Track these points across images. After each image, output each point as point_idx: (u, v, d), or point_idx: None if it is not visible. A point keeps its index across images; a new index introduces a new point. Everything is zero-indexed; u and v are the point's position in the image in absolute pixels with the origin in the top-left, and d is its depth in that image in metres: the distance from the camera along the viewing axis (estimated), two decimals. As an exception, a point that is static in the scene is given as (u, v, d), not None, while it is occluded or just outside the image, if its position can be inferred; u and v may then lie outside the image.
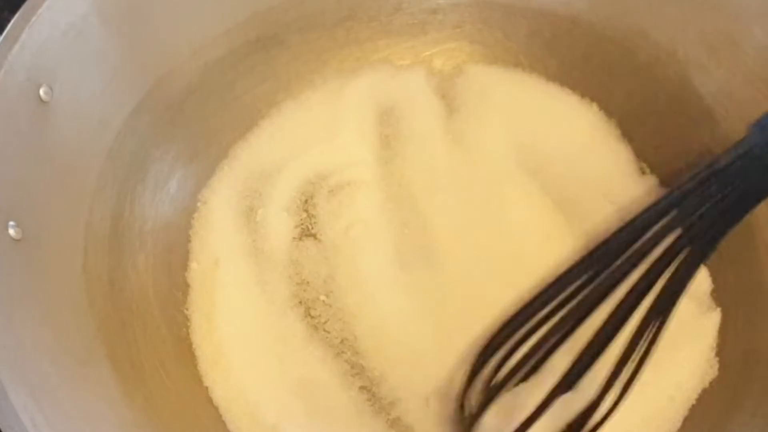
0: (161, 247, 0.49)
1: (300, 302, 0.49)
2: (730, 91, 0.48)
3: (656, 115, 0.51)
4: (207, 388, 0.46)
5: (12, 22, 0.40)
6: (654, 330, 0.39)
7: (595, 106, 0.54)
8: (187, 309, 0.48)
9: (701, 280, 0.48)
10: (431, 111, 0.54)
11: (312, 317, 0.48)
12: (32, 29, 0.40)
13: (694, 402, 0.46)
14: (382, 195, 0.51)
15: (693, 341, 0.47)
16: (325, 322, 0.48)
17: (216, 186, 0.51)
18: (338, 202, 0.51)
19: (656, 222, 0.38)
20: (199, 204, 0.51)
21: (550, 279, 0.40)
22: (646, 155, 0.52)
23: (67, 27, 0.42)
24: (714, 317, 0.47)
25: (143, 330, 0.46)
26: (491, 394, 0.41)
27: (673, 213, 0.37)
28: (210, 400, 0.46)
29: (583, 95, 0.54)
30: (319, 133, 0.53)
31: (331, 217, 0.51)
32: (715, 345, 0.47)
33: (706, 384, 0.46)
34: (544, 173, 0.52)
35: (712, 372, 0.46)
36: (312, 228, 0.51)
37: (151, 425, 0.43)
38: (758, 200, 0.36)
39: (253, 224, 0.50)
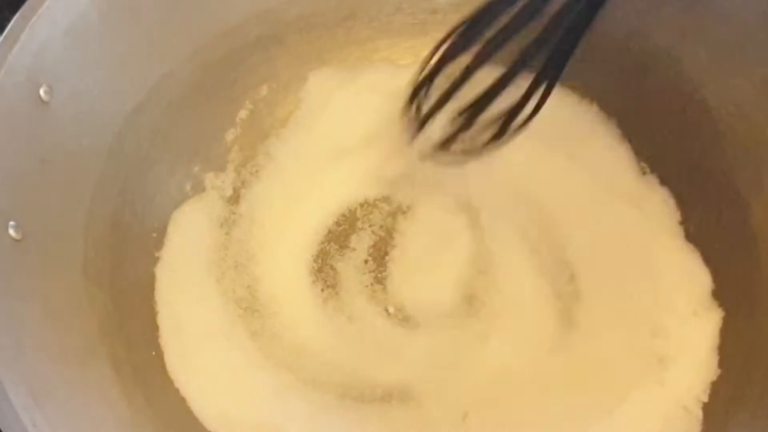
0: (161, 247, 0.49)
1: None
2: (730, 91, 0.48)
3: (656, 115, 0.51)
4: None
5: (12, 22, 0.40)
6: None
7: (595, 106, 0.54)
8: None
9: (702, 281, 0.48)
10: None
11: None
12: (32, 29, 0.40)
13: (702, 402, 0.46)
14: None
15: (694, 341, 0.47)
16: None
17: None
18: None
19: None
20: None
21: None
22: (646, 155, 0.52)
23: (67, 27, 0.42)
24: (715, 317, 0.47)
25: (143, 330, 0.46)
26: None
27: None
28: (210, 400, 0.46)
29: (583, 95, 0.54)
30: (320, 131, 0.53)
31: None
32: (715, 345, 0.47)
33: (707, 384, 0.46)
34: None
35: (713, 372, 0.46)
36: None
37: (151, 425, 0.43)
38: None
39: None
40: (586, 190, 0.52)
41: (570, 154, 0.52)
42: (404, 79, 0.54)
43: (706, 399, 0.45)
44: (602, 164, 0.52)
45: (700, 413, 0.45)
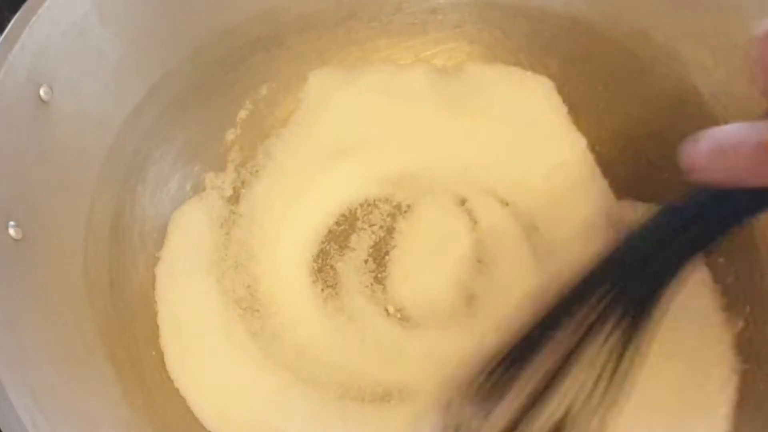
0: (161, 247, 0.49)
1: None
2: (730, 91, 0.48)
3: (656, 114, 0.51)
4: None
5: (12, 22, 0.40)
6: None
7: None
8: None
9: (702, 280, 0.48)
10: (431, 109, 0.54)
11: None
12: (32, 29, 0.40)
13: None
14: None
15: (693, 342, 0.47)
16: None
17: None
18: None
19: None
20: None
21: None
22: (646, 155, 0.52)
23: (67, 27, 0.42)
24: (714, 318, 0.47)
25: (143, 330, 0.46)
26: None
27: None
28: (210, 400, 0.46)
29: (583, 95, 0.54)
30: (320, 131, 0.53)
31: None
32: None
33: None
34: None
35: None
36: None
37: (151, 425, 0.43)
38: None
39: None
40: (585, 184, 0.52)
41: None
42: (404, 79, 0.55)
43: None
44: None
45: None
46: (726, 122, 0.48)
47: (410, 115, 0.54)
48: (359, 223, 0.51)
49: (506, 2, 0.54)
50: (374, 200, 0.52)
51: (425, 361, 0.47)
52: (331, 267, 0.50)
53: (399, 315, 0.49)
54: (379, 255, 0.50)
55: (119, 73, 0.46)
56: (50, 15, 0.41)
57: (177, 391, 0.46)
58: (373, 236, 0.51)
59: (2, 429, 0.34)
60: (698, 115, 0.49)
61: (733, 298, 0.47)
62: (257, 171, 0.52)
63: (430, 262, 0.50)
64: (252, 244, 0.51)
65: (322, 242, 0.51)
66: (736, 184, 0.32)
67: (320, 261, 0.50)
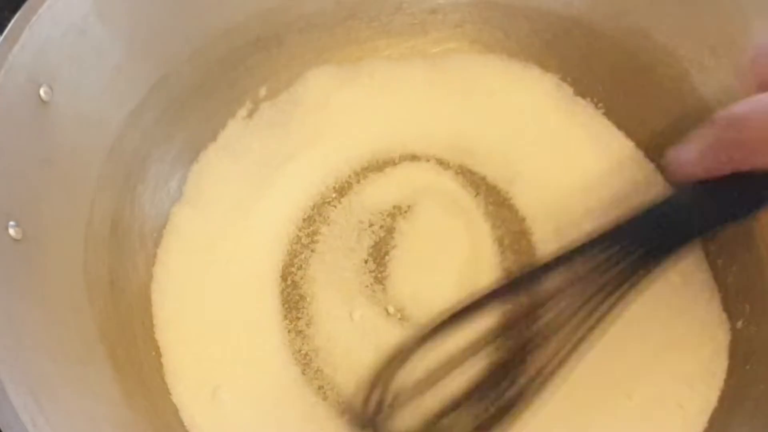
0: (161, 247, 0.49)
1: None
2: (730, 91, 0.48)
3: (656, 114, 0.51)
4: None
5: (12, 22, 0.40)
6: None
7: (593, 105, 0.54)
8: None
9: (701, 280, 0.48)
10: (431, 105, 0.54)
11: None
12: (32, 29, 0.40)
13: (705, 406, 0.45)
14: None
15: (693, 343, 0.47)
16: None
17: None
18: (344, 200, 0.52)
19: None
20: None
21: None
22: (647, 154, 0.52)
23: (67, 27, 0.42)
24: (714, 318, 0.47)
25: (143, 330, 0.46)
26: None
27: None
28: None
29: (583, 95, 0.54)
30: (321, 131, 0.53)
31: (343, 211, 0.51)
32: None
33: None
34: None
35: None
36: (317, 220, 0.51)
37: (151, 425, 0.43)
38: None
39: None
40: (587, 188, 0.52)
41: (571, 155, 0.52)
42: (404, 76, 0.55)
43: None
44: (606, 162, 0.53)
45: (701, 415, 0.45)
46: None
47: (411, 112, 0.54)
48: (359, 223, 0.51)
49: (506, 2, 0.54)
50: (373, 199, 0.52)
51: (425, 361, 0.47)
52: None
53: (399, 315, 0.49)
54: (379, 255, 0.50)
55: (119, 73, 0.46)
56: (50, 15, 0.41)
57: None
58: (373, 236, 0.51)
59: (2, 429, 0.34)
60: (698, 115, 0.49)
61: (733, 298, 0.47)
62: (257, 170, 0.53)
63: (430, 262, 0.50)
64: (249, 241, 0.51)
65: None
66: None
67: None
